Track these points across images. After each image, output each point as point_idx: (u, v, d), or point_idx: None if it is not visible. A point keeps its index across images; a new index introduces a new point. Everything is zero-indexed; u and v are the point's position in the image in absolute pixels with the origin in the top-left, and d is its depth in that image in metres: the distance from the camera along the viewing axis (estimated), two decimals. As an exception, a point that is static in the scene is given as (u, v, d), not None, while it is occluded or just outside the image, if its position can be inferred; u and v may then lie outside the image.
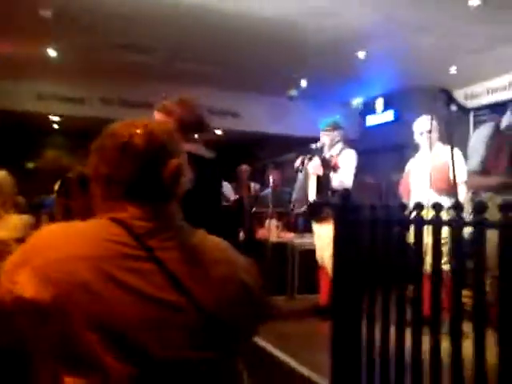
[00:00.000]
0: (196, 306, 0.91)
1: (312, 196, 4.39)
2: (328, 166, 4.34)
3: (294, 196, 4.70)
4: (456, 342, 2.02)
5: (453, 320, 2.07)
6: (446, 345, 2.06)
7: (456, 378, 2.00)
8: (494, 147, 2.92)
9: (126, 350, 0.86)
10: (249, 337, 1.08)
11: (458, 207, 2.11)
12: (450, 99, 7.26)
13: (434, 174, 3.90)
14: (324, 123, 4.51)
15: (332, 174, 4.29)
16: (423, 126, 4.17)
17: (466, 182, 3.52)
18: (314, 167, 4.38)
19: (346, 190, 3.74)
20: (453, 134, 3.74)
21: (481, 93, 7.27)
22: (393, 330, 2.35)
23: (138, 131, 0.98)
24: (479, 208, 2.02)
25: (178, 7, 4.94)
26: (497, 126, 3.00)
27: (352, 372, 2.51)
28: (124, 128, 0.99)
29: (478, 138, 3.06)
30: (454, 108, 6.95)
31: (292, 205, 4.75)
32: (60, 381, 0.88)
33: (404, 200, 4.05)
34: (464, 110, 7.22)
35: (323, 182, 4.29)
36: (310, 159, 4.44)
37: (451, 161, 3.87)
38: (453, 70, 6.46)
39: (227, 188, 6.88)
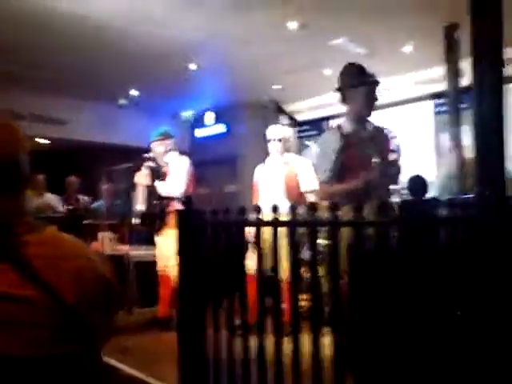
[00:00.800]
0: (55, 301, 0.89)
1: (141, 206, 4.40)
2: (157, 175, 4.36)
3: (133, 207, 4.59)
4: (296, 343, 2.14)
5: (293, 323, 2.19)
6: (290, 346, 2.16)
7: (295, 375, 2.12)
8: (346, 155, 2.94)
9: None
10: (108, 332, 1.06)
11: (293, 209, 2.25)
12: (280, 111, 7.78)
13: (285, 183, 4.07)
14: (156, 133, 4.53)
15: (158, 183, 4.33)
16: (275, 134, 4.26)
17: (315, 192, 3.54)
18: (142, 177, 4.40)
19: (187, 197, 3.74)
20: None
21: (303, 109, 7.91)
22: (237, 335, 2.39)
23: None
24: (311, 209, 2.18)
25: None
26: (341, 134, 3.03)
27: (200, 379, 2.50)
28: None
29: (325, 148, 3.04)
30: (285, 121, 7.48)
31: (131, 217, 4.64)
32: None
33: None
34: (294, 123, 7.77)
35: (152, 192, 4.33)
36: (139, 170, 4.44)
37: (299, 170, 4.06)
38: (278, 87, 6.92)
39: (53, 200, 6.45)
